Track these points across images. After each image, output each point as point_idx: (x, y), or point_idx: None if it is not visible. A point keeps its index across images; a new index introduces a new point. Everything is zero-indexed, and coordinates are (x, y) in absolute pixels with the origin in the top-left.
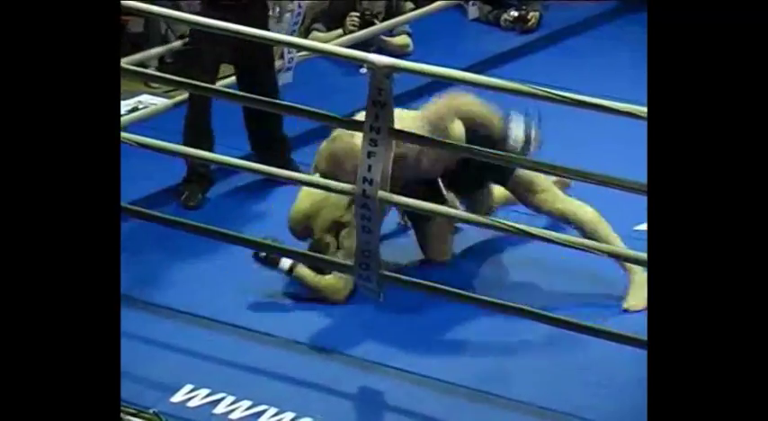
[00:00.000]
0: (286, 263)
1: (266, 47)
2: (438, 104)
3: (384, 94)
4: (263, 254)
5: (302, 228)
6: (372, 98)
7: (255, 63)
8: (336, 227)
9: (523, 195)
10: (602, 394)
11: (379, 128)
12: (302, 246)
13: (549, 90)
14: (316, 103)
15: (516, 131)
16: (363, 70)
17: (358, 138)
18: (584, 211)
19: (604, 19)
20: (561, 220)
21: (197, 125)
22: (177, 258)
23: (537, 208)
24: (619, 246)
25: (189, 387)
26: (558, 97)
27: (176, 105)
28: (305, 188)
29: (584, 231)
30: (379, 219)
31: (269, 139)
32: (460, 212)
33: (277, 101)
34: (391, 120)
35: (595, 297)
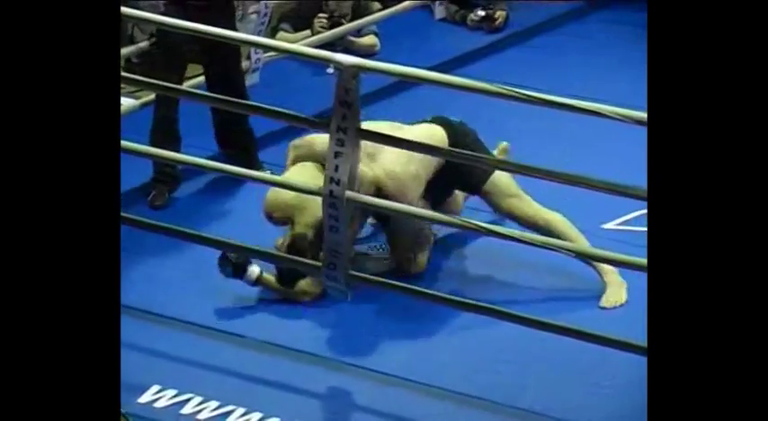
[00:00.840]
0: (253, 273)
1: (234, 46)
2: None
3: (351, 94)
4: (228, 264)
5: (281, 216)
6: (339, 98)
7: (223, 63)
8: (321, 225)
9: (495, 201)
10: (600, 394)
11: (347, 128)
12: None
13: (515, 89)
14: (283, 103)
15: None
16: (330, 70)
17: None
18: (554, 218)
19: (570, 18)
20: (531, 226)
21: (164, 125)
22: (144, 258)
23: (508, 214)
24: (584, 242)
25: (156, 387)
26: (524, 96)
27: (143, 106)
28: (291, 175)
29: (554, 237)
30: (346, 219)
31: (236, 139)
32: (430, 212)
33: (244, 101)
34: (358, 120)
35: (569, 294)
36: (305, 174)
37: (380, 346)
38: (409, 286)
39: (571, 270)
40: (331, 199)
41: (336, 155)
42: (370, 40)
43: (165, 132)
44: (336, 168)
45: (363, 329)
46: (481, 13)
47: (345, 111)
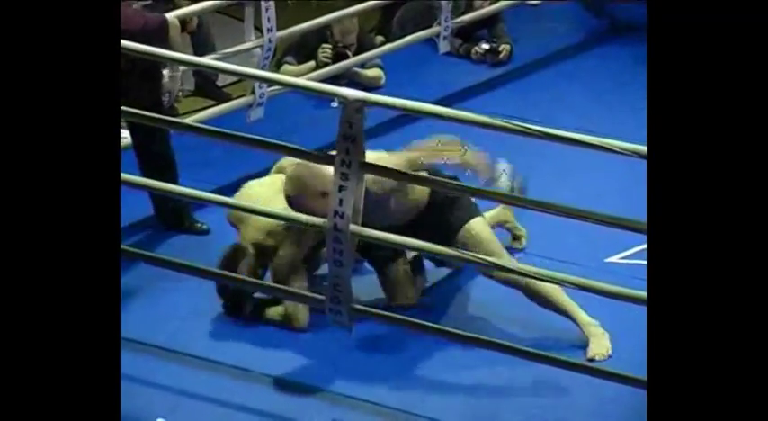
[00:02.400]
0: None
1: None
2: (422, 148)
3: (355, 128)
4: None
5: (231, 221)
6: (343, 132)
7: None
8: (264, 247)
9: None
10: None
11: (350, 161)
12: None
13: (518, 123)
14: (287, 137)
15: (503, 180)
16: (335, 104)
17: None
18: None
19: (574, 52)
20: (513, 286)
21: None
22: (144, 289)
23: (483, 270)
24: (575, 311)
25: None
26: (527, 130)
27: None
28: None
29: (538, 298)
30: (350, 253)
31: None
32: (430, 245)
33: (247, 135)
34: (362, 154)
35: (556, 343)
36: (264, 185)
37: (385, 381)
38: (411, 319)
39: (552, 324)
40: (335, 232)
41: (340, 188)
42: (375, 72)
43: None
44: (340, 202)
45: (365, 363)
46: (485, 46)
47: (349, 145)
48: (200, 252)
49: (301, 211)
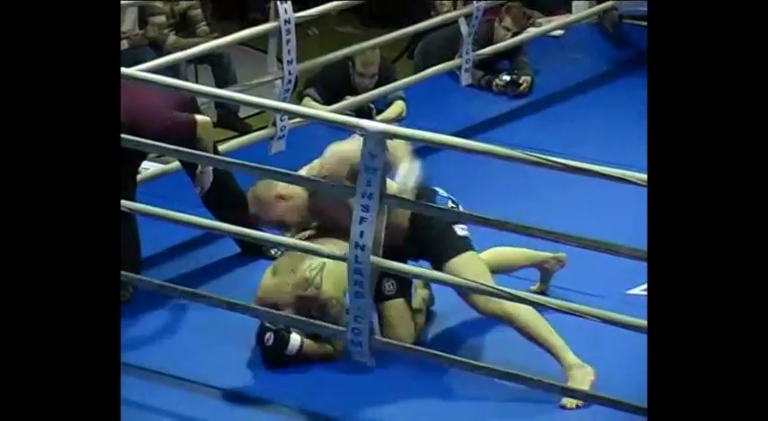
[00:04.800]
0: (294, 344)
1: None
2: (329, 157)
3: (376, 160)
4: (270, 341)
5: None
6: (365, 164)
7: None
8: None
9: (458, 290)
10: None
11: (371, 193)
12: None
13: (538, 155)
14: None
15: (408, 175)
16: (356, 136)
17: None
18: (525, 311)
19: (597, 83)
20: (498, 320)
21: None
22: (146, 315)
23: (472, 306)
24: (561, 349)
25: None
26: (549, 163)
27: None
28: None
29: (523, 332)
30: (371, 285)
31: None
32: (442, 274)
33: (270, 167)
34: (384, 186)
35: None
36: None
37: (414, 413)
38: (433, 351)
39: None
40: (356, 265)
41: (361, 220)
42: (396, 109)
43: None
44: (361, 234)
45: (392, 396)
46: (506, 78)
47: (370, 177)
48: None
49: (268, 223)
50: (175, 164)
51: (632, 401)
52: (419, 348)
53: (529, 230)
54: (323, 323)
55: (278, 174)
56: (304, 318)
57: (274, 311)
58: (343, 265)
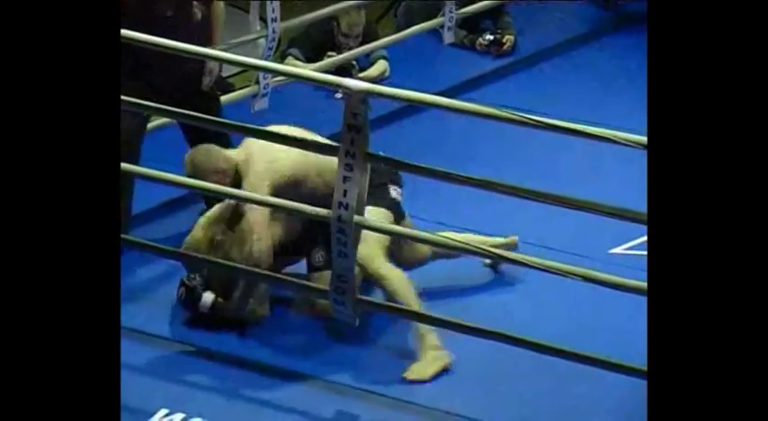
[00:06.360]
0: (207, 299)
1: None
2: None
3: (359, 119)
4: (182, 293)
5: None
6: (347, 123)
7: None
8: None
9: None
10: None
11: (355, 152)
12: None
13: (521, 114)
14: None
15: None
16: (339, 95)
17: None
18: (398, 280)
19: (578, 43)
20: (373, 281)
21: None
22: (146, 280)
23: (362, 258)
24: (425, 329)
25: (164, 411)
26: (531, 121)
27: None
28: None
29: (393, 298)
30: (354, 244)
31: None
32: (434, 236)
33: (252, 126)
34: (367, 145)
35: None
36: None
37: (391, 373)
38: (418, 311)
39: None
40: (339, 224)
41: (345, 179)
42: (379, 67)
43: None
44: (345, 193)
45: (371, 355)
46: (489, 37)
47: (354, 136)
48: None
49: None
50: (160, 121)
51: (620, 361)
52: (404, 307)
53: (505, 188)
54: (301, 282)
55: (263, 133)
56: (286, 277)
57: (257, 269)
58: None
